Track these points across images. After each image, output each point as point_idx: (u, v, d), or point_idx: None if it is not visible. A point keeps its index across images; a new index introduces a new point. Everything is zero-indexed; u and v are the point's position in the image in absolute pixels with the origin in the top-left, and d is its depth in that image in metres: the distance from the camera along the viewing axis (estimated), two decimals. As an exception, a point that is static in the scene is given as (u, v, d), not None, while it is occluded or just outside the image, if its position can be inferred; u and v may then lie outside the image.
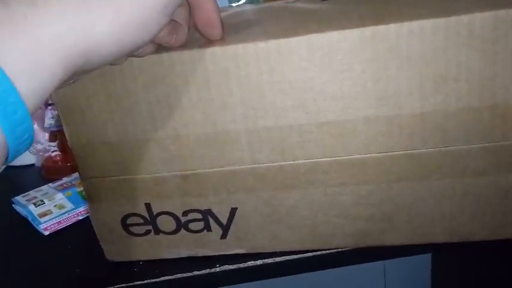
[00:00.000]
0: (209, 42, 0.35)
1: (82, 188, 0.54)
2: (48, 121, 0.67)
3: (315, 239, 0.41)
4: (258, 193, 0.39)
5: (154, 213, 0.41)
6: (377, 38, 0.33)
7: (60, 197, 0.56)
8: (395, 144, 0.36)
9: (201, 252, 0.43)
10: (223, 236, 0.42)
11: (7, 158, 0.23)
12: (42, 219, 0.53)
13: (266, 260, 0.42)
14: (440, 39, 0.33)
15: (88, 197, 0.42)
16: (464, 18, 0.32)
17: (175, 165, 0.39)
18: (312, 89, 0.35)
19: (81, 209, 0.55)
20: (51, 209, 0.55)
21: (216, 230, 0.41)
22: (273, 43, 0.34)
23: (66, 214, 0.54)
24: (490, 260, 0.62)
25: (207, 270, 0.42)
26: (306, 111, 0.36)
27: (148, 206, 0.41)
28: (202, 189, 0.40)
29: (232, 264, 0.42)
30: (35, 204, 0.55)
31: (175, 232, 0.42)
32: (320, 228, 0.40)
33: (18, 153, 0.24)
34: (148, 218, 0.41)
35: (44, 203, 0.55)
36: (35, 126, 0.70)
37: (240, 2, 0.76)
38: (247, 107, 0.36)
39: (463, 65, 0.33)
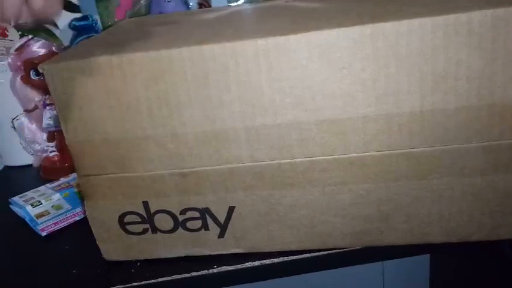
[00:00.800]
0: (207, 39, 0.35)
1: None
2: (47, 121, 0.67)
3: (313, 239, 0.41)
4: (256, 191, 0.39)
5: (152, 211, 0.41)
6: (376, 36, 0.33)
7: (57, 197, 0.56)
8: (394, 142, 0.36)
9: (198, 251, 0.43)
10: (221, 235, 0.41)
11: None
12: (40, 220, 0.53)
13: (264, 261, 0.42)
14: (439, 37, 0.33)
15: (85, 194, 0.41)
16: (463, 16, 0.32)
17: (173, 163, 0.39)
18: (311, 86, 0.35)
19: (78, 209, 0.55)
20: (49, 209, 0.55)
21: (214, 229, 0.41)
22: (272, 41, 0.34)
23: (63, 215, 0.54)
24: (488, 261, 0.62)
25: (205, 271, 0.42)
26: (305, 109, 0.36)
27: (145, 204, 0.41)
28: (200, 188, 0.39)
29: (230, 265, 0.42)
30: (32, 205, 0.55)
31: (172, 231, 0.42)
32: (318, 228, 0.40)
33: None
34: (146, 216, 0.41)
35: (41, 204, 0.55)
36: (33, 126, 0.70)
37: (239, 2, 0.77)
38: (245, 104, 0.36)
39: (462, 63, 0.33)
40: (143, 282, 0.42)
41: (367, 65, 0.34)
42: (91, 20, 0.73)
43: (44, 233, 0.52)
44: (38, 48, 0.68)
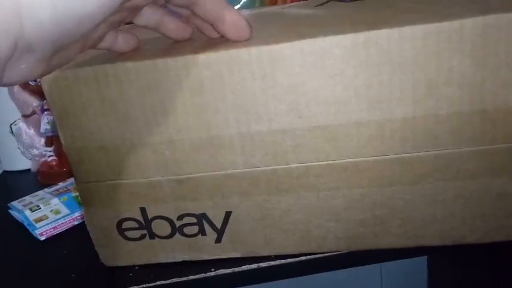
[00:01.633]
0: (202, 47, 0.36)
1: (77, 193, 0.54)
2: (44, 126, 0.67)
3: (308, 243, 0.41)
4: (251, 197, 0.39)
5: (149, 217, 0.41)
6: (369, 44, 0.33)
7: (56, 202, 0.56)
8: (387, 148, 0.37)
9: (196, 256, 0.43)
10: (218, 240, 0.42)
11: None
12: (38, 225, 0.53)
13: (261, 263, 0.42)
14: (431, 44, 0.33)
15: (83, 201, 0.42)
16: (455, 23, 0.33)
17: (169, 170, 0.39)
18: (305, 93, 0.35)
19: (77, 214, 0.55)
20: (47, 214, 0.55)
21: (211, 234, 0.42)
22: (265, 49, 0.34)
23: (62, 219, 0.54)
24: (485, 262, 0.63)
25: (202, 275, 0.42)
26: (299, 115, 0.36)
27: (143, 211, 0.41)
28: (196, 194, 0.40)
29: (227, 269, 0.42)
30: (30, 209, 0.55)
31: (170, 236, 0.42)
32: (313, 232, 0.41)
33: None
34: (143, 222, 0.42)
35: (39, 208, 0.55)
36: (31, 132, 0.70)
37: (235, 8, 0.77)
38: (240, 111, 0.36)
39: (454, 70, 0.34)
40: (141, 286, 0.42)
41: (360, 72, 0.34)
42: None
43: (42, 237, 0.53)
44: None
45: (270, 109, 0.36)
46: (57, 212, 0.55)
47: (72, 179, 0.61)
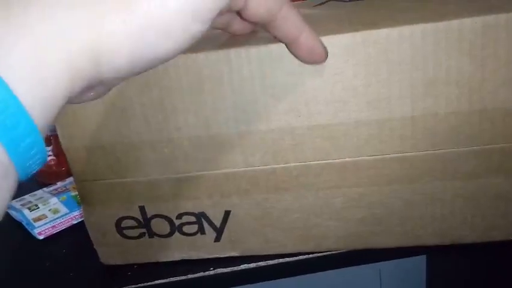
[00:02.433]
0: (202, 46, 0.36)
1: (76, 193, 0.54)
2: (43, 125, 0.67)
3: (307, 242, 0.41)
4: (251, 196, 0.40)
5: (148, 216, 0.41)
6: (367, 43, 0.34)
7: (54, 201, 0.56)
8: (386, 147, 0.37)
9: (195, 255, 0.43)
10: (217, 239, 0.42)
11: (18, 177, 0.20)
12: (37, 224, 0.53)
13: (260, 262, 0.42)
14: (430, 43, 0.33)
15: (82, 200, 0.42)
16: (454, 23, 0.33)
17: (169, 168, 0.39)
18: (304, 93, 0.35)
19: (75, 213, 0.55)
20: (46, 213, 0.55)
21: (210, 233, 0.42)
22: (264, 48, 0.34)
23: (60, 218, 0.54)
24: (485, 262, 0.63)
25: (201, 274, 0.42)
26: (299, 114, 0.36)
27: (142, 209, 0.41)
28: (196, 192, 0.40)
29: (226, 267, 0.43)
30: (29, 208, 0.55)
31: (169, 235, 0.42)
32: (312, 231, 0.41)
33: (30, 170, 0.21)
34: (142, 221, 0.42)
35: (38, 208, 0.55)
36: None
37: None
38: (239, 110, 0.36)
39: (453, 69, 0.34)
40: (140, 285, 0.42)
41: (359, 71, 0.34)
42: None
43: (41, 237, 0.53)
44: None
45: (269, 108, 0.36)
46: (56, 211, 0.55)
47: (71, 179, 0.61)
